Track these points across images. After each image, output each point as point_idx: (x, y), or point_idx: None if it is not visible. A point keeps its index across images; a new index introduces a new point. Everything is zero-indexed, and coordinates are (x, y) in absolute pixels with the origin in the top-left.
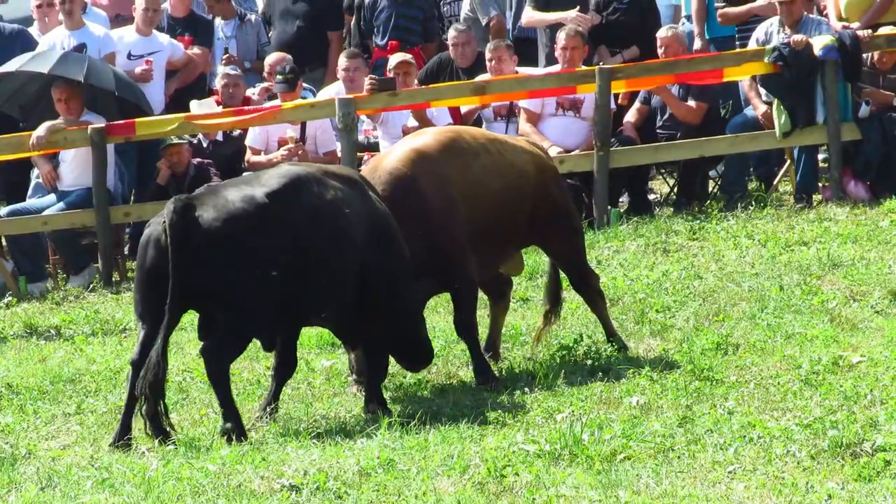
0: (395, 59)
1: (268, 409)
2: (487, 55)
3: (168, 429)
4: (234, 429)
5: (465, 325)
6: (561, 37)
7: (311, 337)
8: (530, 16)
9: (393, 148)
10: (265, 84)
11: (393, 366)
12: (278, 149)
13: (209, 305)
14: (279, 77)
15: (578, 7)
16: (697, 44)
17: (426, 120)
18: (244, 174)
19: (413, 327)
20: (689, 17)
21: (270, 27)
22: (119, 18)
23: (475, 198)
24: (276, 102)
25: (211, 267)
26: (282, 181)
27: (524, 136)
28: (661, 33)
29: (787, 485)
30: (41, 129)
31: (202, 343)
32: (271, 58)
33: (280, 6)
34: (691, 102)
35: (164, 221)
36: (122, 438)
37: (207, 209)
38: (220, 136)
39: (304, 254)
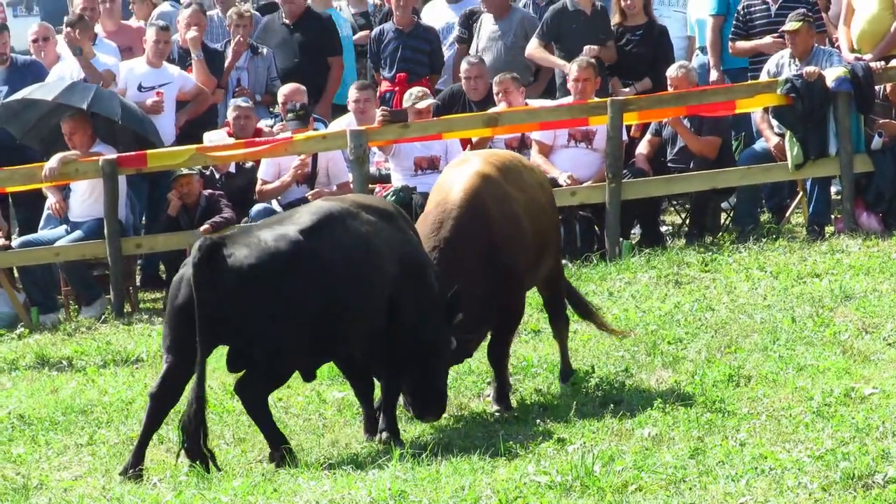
0: (414, 95)
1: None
2: (495, 88)
3: (206, 454)
4: (284, 454)
5: (499, 351)
6: (573, 68)
7: (323, 368)
8: (533, 49)
9: (452, 179)
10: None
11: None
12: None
13: (242, 343)
14: (290, 115)
15: (584, 40)
16: (713, 75)
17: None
18: (254, 209)
19: (436, 372)
20: (703, 49)
21: None
22: (129, 50)
23: (532, 214)
24: (288, 134)
25: (245, 306)
26: (314, 218)
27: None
28: (671, 72)
29: None
30: (53, 161)
31: (237, 380)
32: (285, 88)
33: (277, 38)
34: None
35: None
36: (134, 468)
37: (240, 248)
38: (232, 168)
39: (336, 290)
